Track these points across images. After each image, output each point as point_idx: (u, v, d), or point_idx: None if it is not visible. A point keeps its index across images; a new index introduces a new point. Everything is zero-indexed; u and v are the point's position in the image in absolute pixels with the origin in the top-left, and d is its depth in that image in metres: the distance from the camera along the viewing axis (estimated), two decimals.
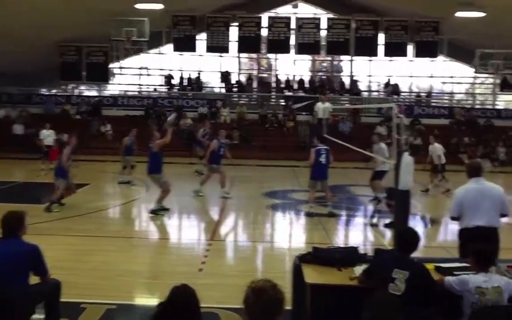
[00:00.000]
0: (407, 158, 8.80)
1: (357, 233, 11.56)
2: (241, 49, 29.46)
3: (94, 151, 22.49)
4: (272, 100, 29.99)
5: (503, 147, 25.04)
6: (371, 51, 28.88)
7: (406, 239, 4.89)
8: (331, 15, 29.57)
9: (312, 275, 5.11)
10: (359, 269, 5.05)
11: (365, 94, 31.07)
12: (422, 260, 5.17)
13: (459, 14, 23.26)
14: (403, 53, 28.65)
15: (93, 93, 31.06)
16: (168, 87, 30.13)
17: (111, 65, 29.47)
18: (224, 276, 7.74)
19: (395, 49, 28.41)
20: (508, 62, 27.05)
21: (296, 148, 24.42)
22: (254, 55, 32.45)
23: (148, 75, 31.07)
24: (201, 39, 28.88)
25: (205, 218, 12.66)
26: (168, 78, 30.06)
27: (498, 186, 6.31)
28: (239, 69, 31.87)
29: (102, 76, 29.21)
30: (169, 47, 29.27)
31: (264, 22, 28.79)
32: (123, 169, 16.44)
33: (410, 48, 28.63)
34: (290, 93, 29.49)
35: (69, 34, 26.13)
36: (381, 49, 28.68)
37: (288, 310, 4.04)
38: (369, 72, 31.09)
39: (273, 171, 20.48)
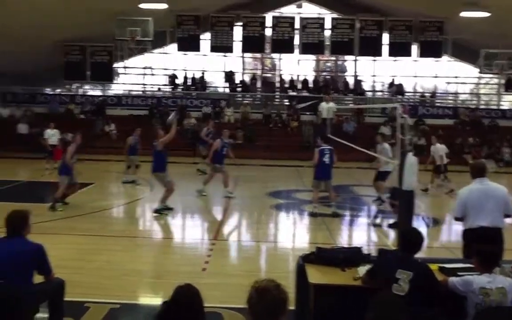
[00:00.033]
0: (411, 159, 8.80)
1: (361, 233, 11.54)
2: (245, 49, 29.46)
3: (98, 150, 22.54)
4: (276, 100, 30.00)
5: (508, 147, 24.95)
6: (376, 51, 28.85)
7: (410, 239, 4.88)
8: (335, 15, 29.55)
9: (316, 275, 5.10)
10: (362, 270, 5.04)
11: (369, 94, 31.03)
12: (426, 260, 5.16)
13: (463, 14, 23.21)
14: (408, 53, 28.62)
15: (97, 92, 31.13)
16: (172, 86, 30.17)
17: (115, 65, 29.54)
18: (227, 276, 7.74)
19: (399, 49, 28.37)
20: None
21: (300, 148, 24.40)
22: (258, 55, 32.46)
23: (152, 74, 31.13)
24: (205, 38, 28.91)
25: (209, 217, 12.67)
26: (172, 77, 30.10)
27: (502, 186, 6.29)
28: (243, 69, 31.88)
29: (106, 75, 29.28)
30: (173, 46, 29.31)
31: (268, 22, 28.79)
32: (127, 169, 16.47)
33: (414, 48, 28.59)
34: (294, 93, 29.49)
35: (74, 33, 26.20)
36: (385, 49, 28.64)
37: (291, 310, 4.05)
38: (373, 72, 31.06)
39: (277, 171, 20.47)
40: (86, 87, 31.28)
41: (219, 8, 28.74)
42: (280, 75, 31.07)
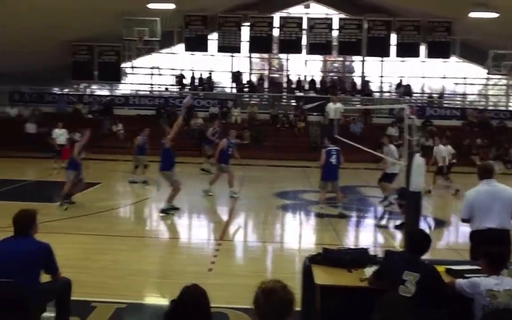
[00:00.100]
0: (418, 160, 8.75)
1: (368, 234, 11.51)
2: (252, 49, 29.47)
3: (105, 150, 22.60)
4: (283, 100, 29.97)
5: None
6: (383, 52, 28.77)
7: (417, 241, 4.86)
8: (343, 15, 29.50)
9: (322, 276, 5.09)
10: (369, 271, 5.03)
11: (377, 95, 30.95)
12: (433, 262, 5.13)
13: (472, 14, 23.10)
14: (416, 54, 28.51)
15: (105, 92, 31.23)
16: (179, 87, 30.21)
17: (123, 65, 29.61)
18: (233, 276, 7.74)
19: (407, 50, 28.27)
20: None
21: (307, 149, 24.37)
22: (265, 55, 32.46)
23: (160, 74, 31.19)
24: (213, 39, 28.94)
25: (215, 218, 12.67)
26: (180, 78, 30.14)
27: (510, 188, 6.25)
28: (251, 69, 31.88)
29: (114, 75, 29.38)
30: (181, 47, 29.35)
31: (276, 22, 28.78)
32: (134, 169, 16.49)
33: (422, 49, 28.49)
34: (301, 94, 29.46)
35: (82, 33, 26.30)
36: (393, 49, 28.56)
37: (297, 311, 4.03)
38: (381, 72, 30.98)
39: (284, 172, 20.46)
40: (94, 87, 31.39)
41: (226, 8, 28.77)
42: (288, 76, 31.04)
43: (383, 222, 12.32)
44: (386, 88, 31.66)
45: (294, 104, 28.80)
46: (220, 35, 28.60)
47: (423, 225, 11.35)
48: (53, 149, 18.71)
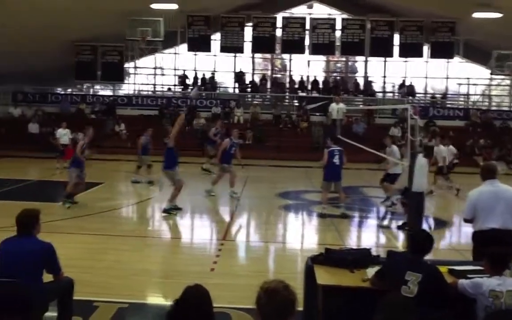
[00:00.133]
0: (421, 160, 8.75)
1: (370, 234, 11.50)
2: (255, 49, 29.48)
3: (108, 150, 22.60)
4: (286, 100, 29.96)
5: None
6: (386, 52, 28.75)
7: (419, 241, 4.85)
8: (345, 16, 29.48)
9: (324, 276, 5.08)
10: (371, 271, 5.02)
11: (380, 95, 30.91)
12: (435, 262, 5.12)
13: (476, 15, 23.06)
14: (419, 54, 28.50)
15: (108, 92, 31.28)
16: (182, 87, 30.22)
17: (126, 65, 29.65)
18: (236, 276, 7.74)
19: (410, 50, 28.26)
20: None
21: (310, 149, 24.35)
22: (268, 56, 32.47)
23: (163, 75, 31.21)
24: (216, 39, 28.95)
25: (217, 218, 12.68)
26: (183, 78, 30.16)
27: None
28: (253, 69, 31.89)
29: (117, 75, 29.43)
30: (184, 47, 29.38)
31: (279, 22, 28.78)
32: (137, 169, 16.50)
33: (425, 49, 28.46)
34: (304, 94, 29.44)
35: (85, 33, 26.34)
36: (396, 49, 28.53)
37: (299, 311, 4.03)
38: (384, 73, 30.95)
39: (286, 172, 20.45)
40: (97, 87, 31.44)
41: (229, 8, 28.79)
42: (290, 76, 31.03)
43: (386, 222, 12.30)
44: (389, 88, 31.62)
45: (297, 104, 28.78)
46: (223, 35, 28.62)
47: (423, 225, 11.40)
48: (56, 149, 18.74)
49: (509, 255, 4.77)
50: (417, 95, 30.41)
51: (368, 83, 30.36)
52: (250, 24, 28.51)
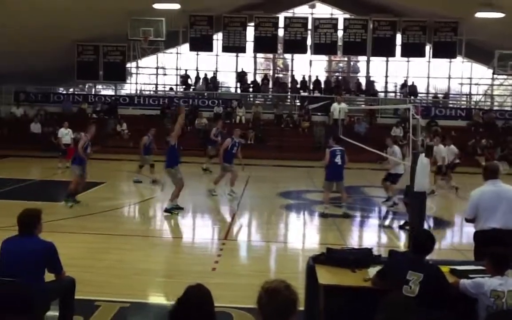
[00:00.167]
0: (423, 160, 8.72)
1: (371, 234, 11.49)
2: (257, 49, 29.48)
3: (109, 149, 22.62)
4: (288, 100, 29.95)
5: None
6: (389, 52, 28.75)
7: (421, 241, 4.85)
8: (348, 15, 29.48)
9: (326, 276, 5.08)
10: (373, 271, 5.01)
11: (382, 95, 30.89)
12: (437, 262, 5.12)
13: (478, 14, 23.03)
14: (421, 54, 28.48)
15: (110, 92, 31.30)
16: (184, 86, 30.23)
17: (128, 65, 29.67)
18: (237, 276, 7.74)
19: (412, 50, 28.25)
20: None
21: (311, 149, 24.34)
22: (270, 55, 32.47)
23: (165, 74, 31.22)
24: (218, 39, 28.97)
25: (219, 217, 12.66)
26: (185, 77, 30.17)
27: None
28: (255, 69, 31.89)
29: (119, 75, 29.44)
30: (186, 46, 29.39)
31: (281, 22, 28.78)
32: (139, 168, 16.51)
33: (427, 49, 28.43)
34: (306, 94, 29.43)
35: (87, 33, 26.38)
36: (398, 49, 28.51)
37: (301, 311, 4.03)
38: (386, 72, 30.93)
39: (288, 172, 20.44)
40: (99, 87, 31.47)
41: (231, 8, 28.80)
42: (292, 76, 31.03)
43: (387, 222, 12.28)
44: (391, 88, 31.61)
45: (299, 104, 28.77)
46: (225, 35, 28.63)
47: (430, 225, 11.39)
48: (58, 148, 18.76)
49: (510, 255, 4.76)
50: (419, 95, 30.39)
51: (370, 83, 30.34)
52: (252, 24, 28.52)
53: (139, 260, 8.30)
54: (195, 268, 7.93)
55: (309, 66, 30.71)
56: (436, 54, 28.38)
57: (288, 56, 31.98)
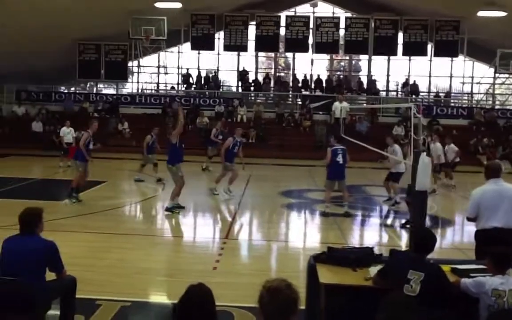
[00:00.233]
0: (425, 159, 8.71)
1: (373, 233, 11.47)
2: (259, 48, 29.49)
3: (111, 148, 22.64)
4: (289, 99, 29.96)
5: None
6: (390, 51, 28.75)
7: (422, 240, 4.84)
8: (349, 14, 29.48)
9: (327, 275, 5.07)
10: (374, 270, 5.00)
11: (383, 93, 30.88)
12: (438, 261, 5.11)
13: (480, 13, 23.00)
14: (423, 53, 28.47)
15: (111, 91, 31.32)
16: (185, 85, 30.23)
17: (129, 64, 29.69)
18: (238, 275, 7.73)
19: (414, 49, 28.24)
20: None
21: (313, 148, 24.35)
22: (272, 54, 32.46)
23: (166, 73, 31.23)
24: (219, 37, 28.98)
25: (220, 216, 12.67)
26: (186, 76, 30.18)
27: None
28: (257, 68, 31.88)
29: (121, 74, 29.46)
30: (187, 45, 29.40)
31: (283, 21, 28.79)
32: (141, 167, 16.51)
33: (429, 47, 28.41)
34: (308, 92, 29.43)
35: (89, 32, 26.41)
36: (400, 48, 28.50)
37: (302, 310, 4.02)
38: (387, 71, 30.91)
39: (289, 170, 20.44)
40: (100, 85, 31.49)
41: (233, 7, 28.80)
42: (294, 74, 31.02)
43: (388, 221, 12.27)
44: (392, 87, 31.59)
45: (300, 103, 28.77)
46: (227, 34, 28.64)
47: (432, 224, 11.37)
48: (60, 147, 18.77)
49: None
50: (421, 93, 30.39)
51: (371, 82, 30.32)
52: (254, 22, 28.53)
53: (140, 259, 8.30)
54: (196, 267, 7.92)
55: (311, 65, 30.72)
56: (437, 53, 28.37)
57: (289, 55, 31.98)
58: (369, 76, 30.98)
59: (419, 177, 8.30)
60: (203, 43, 28.80)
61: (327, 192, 12.25)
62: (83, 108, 27.59)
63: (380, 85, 30.91)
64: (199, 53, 30.46)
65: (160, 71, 31.27)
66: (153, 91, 31.05)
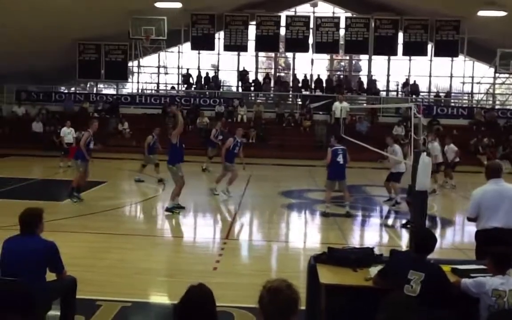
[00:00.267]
0: (425, 159, 8.71)
1: (373, 233, 11.47)
2: (259, 48, 29.49)
3: (111, 149, 22.65)
4: (289, 99, 29.96)
5: None
6: (390, 50, 28.74)
7: (422, 240, 4.84)
8: (350, 14, 29.49)
9: (327, 275, 5.07)
10: (374, 270, 5.00)
11: (383, 93, 30.88)
12: (438, 261, 5.11)
13: (480, 13, 23.00)
14: (423, 53, 28.47)
15: (111, 91, 31.33)
16: (186, 85, 30.23)
17: (129, 64, 29.69)
18: (238, 275, 7.73)
19: (414, 48, 28.24)
20: None
21: (313, 148, 24.35)
22: (272, 54, 32.46)
23: (166, 73, 31.24)
24: (219, 37, 28.98)
25: (220, 216, 12.67)
26: (186, 76, 30.17)
27: None
28: (257, 68, 31.88)
29: (121, 74, 29.46)
30: (187, 45, 29.40)
31: (283, 21, 28.79)
32: (141, 168, 16.50)
33: (429, 47, 28.41)
34: (308, 93, 29.43)
35: (89, 32, 26.41)
36: (400, 48, 28.49)
37: (302, 310, 4.02)
38: (387, 71, 30.90)
39: (290, 171, 20.44)
40: (100, 86, 31.50)
41: (233, 7, 28.81)
42: (294, 74, 31.02)
43: (389, 221, 12.26)
44: (392, 87, 31.59)
45: (300, 103, 28.77)
46: (227, 33, 28.64)
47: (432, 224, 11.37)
48: (60, 147, 18.77)
49: None
50: (421, 93, 30.38)
51: (371, 82, 30.32)
52: (254, 22, 28.52)
53: (140, 260, 8.29)
54: (196, 267, 7.92)
55: (311, 65, 30.72)
56: (438, 53, 28.37)
57: (289, 55, 31.98)
58: (369, 76, 30.98)
59: (419, 177, 8.30)
60: (203, 43, 28.80)
61: (328, 192, 12.25)
62: (83, 108, 27.59)
63: (380, 85, 30.92)
64: (199, 53, 30.46)
65: (160, 71, 31.28)
66: (153, 91, 31.04)
